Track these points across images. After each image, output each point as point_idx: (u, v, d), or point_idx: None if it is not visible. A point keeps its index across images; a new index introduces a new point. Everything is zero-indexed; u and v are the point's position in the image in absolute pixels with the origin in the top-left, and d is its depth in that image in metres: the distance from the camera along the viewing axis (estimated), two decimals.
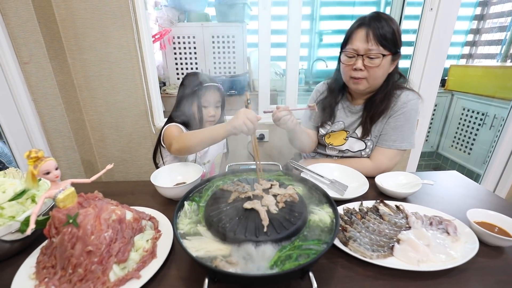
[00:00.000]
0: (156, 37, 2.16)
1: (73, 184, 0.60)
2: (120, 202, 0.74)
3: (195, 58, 2.26)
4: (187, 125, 1.18)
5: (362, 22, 0.91)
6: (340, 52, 1.00)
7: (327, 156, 1.19)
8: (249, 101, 0.80)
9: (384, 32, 0.87)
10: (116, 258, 0.55)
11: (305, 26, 2.78)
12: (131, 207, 0.72)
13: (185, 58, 2.26)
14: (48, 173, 0.55)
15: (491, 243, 0.66)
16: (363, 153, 1.08)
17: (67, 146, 1.49)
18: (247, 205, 0.59)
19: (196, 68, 2.30)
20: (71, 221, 0.55)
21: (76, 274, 0.52)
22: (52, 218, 0.57)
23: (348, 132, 1.09)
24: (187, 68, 2.29)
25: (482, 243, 0.65)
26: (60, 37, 1.41)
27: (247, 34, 2.20)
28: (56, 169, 0.56)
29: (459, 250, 0.62)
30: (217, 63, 2.28)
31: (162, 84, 2.34)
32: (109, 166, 0.66)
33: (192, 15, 2.25)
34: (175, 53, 2.24)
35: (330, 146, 1.14)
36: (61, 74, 1.40)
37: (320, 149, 1.21)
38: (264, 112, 1.06)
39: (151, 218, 0.70)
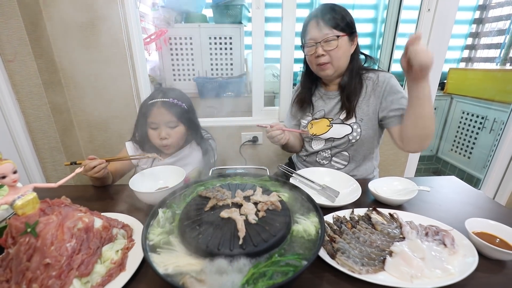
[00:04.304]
0: (152, 37, 2.12)
1: (36, 189, 0.55)
2: (98, 207, 0.70)
3: (192, 59, 2.22)
4: (143, 146, 1.09)
5: (312, 15, 0.99)
6: (302, 48, 1.07)
7: (317, 154, 1.15)
8: None
9: (333, 17, 0.96)
10: (78, 272, 0.50)
11: None
12: (104, 213, 0.67)
13: (182, 59, 2.22)
14: (4, 177, 0.50)
15: (492, 256, 0.60)
16: (350, 137, 1.06)
17: (53, 147, 1.44)
18: (224, 214, 0.54)
19: (193, 70, 2.26)
20: (29, 230, 0.50)
21: None
22: (9, 227, 0.52)
23: (331, 119, 1.10)
24: (183, 69, 2.25)
25: (481, 256, 0.60)
26: (47, 35, 1.37)
27: (244, 35, 2.16)
28: (15, 172, 0.51)
29: (456, 264, 0.57)
30: (214, 65, 2.24)
31: (159, 85, 2.29)
32: (78, 170, 0.61)
33: (189, 16, 2.21)
34: (171, 54, 2.20)
35: (314, 136, 1.13)
36: (47, 73, 1.36)
37: (308, 148, 1.18)
38: (258, 126, 1.13)
39: (124, 226, 0.65)
